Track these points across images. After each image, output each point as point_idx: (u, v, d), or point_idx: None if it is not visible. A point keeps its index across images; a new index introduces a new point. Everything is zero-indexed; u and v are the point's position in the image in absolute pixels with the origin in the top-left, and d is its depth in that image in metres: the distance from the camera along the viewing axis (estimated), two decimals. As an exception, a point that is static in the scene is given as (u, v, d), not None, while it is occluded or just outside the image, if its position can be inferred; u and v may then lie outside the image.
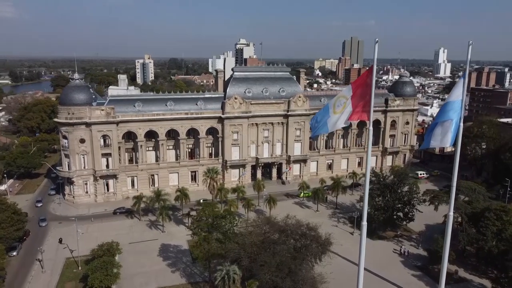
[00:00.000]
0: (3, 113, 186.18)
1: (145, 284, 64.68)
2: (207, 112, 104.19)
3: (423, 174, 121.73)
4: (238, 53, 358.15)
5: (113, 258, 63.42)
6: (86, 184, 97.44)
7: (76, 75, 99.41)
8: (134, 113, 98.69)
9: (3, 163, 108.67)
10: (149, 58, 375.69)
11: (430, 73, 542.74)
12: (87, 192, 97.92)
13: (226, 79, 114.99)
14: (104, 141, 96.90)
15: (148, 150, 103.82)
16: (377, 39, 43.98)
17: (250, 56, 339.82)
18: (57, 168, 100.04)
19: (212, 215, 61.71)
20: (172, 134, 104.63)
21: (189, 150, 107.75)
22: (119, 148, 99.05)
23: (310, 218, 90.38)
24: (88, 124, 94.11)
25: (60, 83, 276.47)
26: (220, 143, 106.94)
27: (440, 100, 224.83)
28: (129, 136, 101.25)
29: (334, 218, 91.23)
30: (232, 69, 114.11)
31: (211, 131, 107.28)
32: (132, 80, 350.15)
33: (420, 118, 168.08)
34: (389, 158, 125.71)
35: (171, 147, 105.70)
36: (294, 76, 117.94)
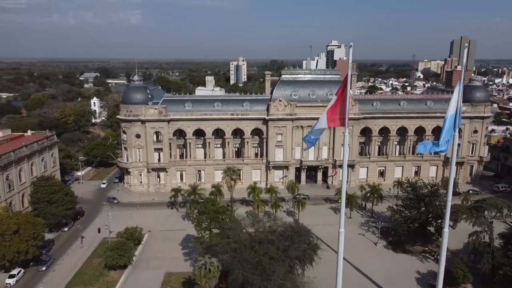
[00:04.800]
0: (102, 109, 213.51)
1: (158, 267, 70.89)
2: (252, 114, 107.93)
3: (505, 187, 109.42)
4: (329, 55, 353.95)
5: (129, 241, 70.83)
6: (140, 174, 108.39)
7: (136, 77, 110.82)
8: (184, 113, 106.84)
9: (82, 153, 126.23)
10: (243, 60, 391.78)
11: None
12: (141, 182, 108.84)
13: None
14: (157, 137, 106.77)
15: (197, 147, 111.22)
16: (351, 43, 43.74)
17: (340, 58, 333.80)
18: (119, 159, 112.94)
19: (212, 210, 65.37)
20: (219, 133, 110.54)
21: (236, 149, 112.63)
22: (170, 144, 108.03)
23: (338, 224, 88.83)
24: (143, 121, 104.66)
25: (159, 83, 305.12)
26: (264, 143, 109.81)
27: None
28: (180, 133, 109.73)
29: (365, 227, 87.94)
30: (281, 72, 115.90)
31: (257, 132, 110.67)
32: (226, 81, 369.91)
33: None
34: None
35: (218, 145, 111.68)
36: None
